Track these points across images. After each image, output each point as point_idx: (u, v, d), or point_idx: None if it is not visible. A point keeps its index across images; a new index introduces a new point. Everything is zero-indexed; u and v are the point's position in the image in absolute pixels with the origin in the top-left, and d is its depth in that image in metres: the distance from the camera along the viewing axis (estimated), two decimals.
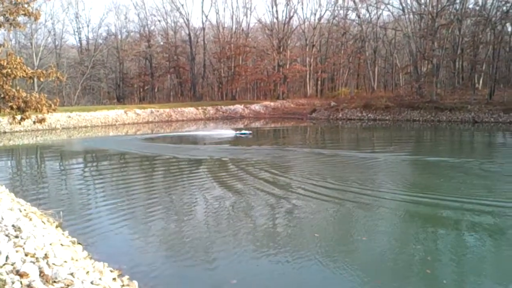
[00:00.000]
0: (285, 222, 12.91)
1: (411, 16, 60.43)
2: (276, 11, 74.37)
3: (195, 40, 76.31)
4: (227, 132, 34.80)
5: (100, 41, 76.42)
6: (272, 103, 61.62)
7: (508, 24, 58.94)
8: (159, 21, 78.21)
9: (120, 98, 73.70)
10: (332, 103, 57.63)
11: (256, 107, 59.90)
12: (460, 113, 47.88)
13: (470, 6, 59.99)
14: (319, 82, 73.05)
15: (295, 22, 74.08)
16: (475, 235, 11.53)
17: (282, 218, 13.28)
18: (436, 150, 28.88)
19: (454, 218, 12.93)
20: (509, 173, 19.34)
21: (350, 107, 55.07)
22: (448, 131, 42.21)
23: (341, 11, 71.74)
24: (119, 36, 76.94)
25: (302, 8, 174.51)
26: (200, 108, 57.48)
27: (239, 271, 9.40)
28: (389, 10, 69.81)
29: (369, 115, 52.67)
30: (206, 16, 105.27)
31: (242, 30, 74.96)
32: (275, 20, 71.16)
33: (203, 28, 74.86)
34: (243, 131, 32.77)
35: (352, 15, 70.85)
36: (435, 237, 11.65)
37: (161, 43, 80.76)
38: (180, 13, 75.22)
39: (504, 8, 56.53)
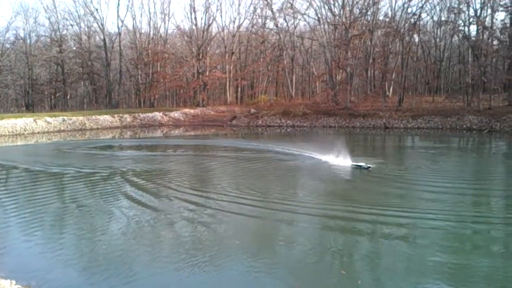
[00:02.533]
0: (205, 230, 12.54)
1: (326, 26, 62.45)
2: (195, 18, 73.80)
3: (110, 45, 73.75)
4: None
5: (8, 45, 71.68)
6: (192, 111, 60.84)
7: (415, 35, 62.63)
8: (71, 25, 74.74)
9: (29, 105, 69.46)
10: (252, 110, 57.97)
11: (175, 114, 58.83)
12: (372, 119, 50.03)
13: (381, 18, 63.19)
14: (239, 89, 73.37)
15: (214, 29, 74.01)
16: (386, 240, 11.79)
17: (202, 227, 12.88)
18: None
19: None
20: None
21: (270, 114, 55.69)
22: (362, 136, 43.90)
23: (260, 20, 72.72)
24: (28, 41, 72.72)
25: (221, 15, 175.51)
26: (116, 115, 55.39)
27: (159, 284, 9.06)
28: (305, 20, 71.94)
29: (287, 121, 53.55)
30: (122, 21, 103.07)
31: (160, 36, 73.60)
32: (194, 27, 70.60)
33: (119, 34, 72.61)
34: (361, 164, 22.08)
35: (270, 24, 72.06)
36: (348, 240, 11.79)
37: (74, 48, 77.24)
38: (95, 17, 72.40)
39: (412, 20, 60.03)
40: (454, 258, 10.40)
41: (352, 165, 22.20)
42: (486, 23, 55.21)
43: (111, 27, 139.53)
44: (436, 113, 48.78)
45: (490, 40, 55.39)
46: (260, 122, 54.44)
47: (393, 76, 61.39)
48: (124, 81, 75.66)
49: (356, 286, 8.92)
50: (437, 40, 70.48)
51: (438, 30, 69.64)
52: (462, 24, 58.25)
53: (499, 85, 54.13)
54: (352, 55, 58.93)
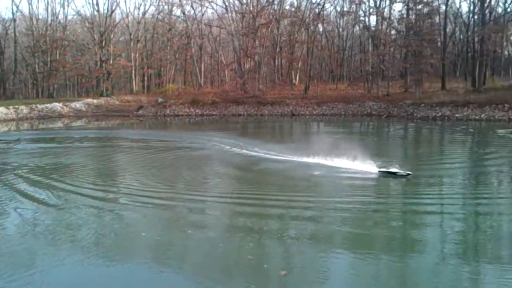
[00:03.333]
0: (108, 225, 11.89)
1: (234, 14, 62.29)
2: (97, 3, 70.51)
3: (4, 32, 68.30)
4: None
5: None
6: (95, 101, 57.86)
7: (319, 25, 64.40)
8: None
9: None
10: (160, 100, 56.41)
11: (77, 105, 55.63)
12: (280, 107, 50.86)
13: (287, 7, 64.24)
14: (145, 78, 71.08)
15: (118, 15, 70.98)
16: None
17: (106, 222, 12.16)
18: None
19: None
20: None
21: (178, 103, 54.57)
22: (270, 123, 44.52)
23: (166, 7, 70.82)
24: None
25: (125, 1, 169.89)
26: (11, 107, 51.30)
27: (67, 281, 8.63)
28: (213, 8, 71.29)
29: (196, 110, 52.81)
30: (17, 7, 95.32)
31: (59, 22, 69.28)
32: (96, 13, 67.15)
33: (14, 20, 67.22)
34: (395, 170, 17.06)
35: (177, 11, 70.49)
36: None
37: None
38: None
39: (316, 10, 61.73)
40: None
41: (380, 171, 17.24)
42: (384, 13, 58.15)
43: (5, 13, 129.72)
44: (340, 100, 50.63)
45: (388, 30, 58.41)
46: (168, 112, 53.18)
47: (299, 65, 62.80)
48: (19, 70, 70.43)
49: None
50: (340, 29, 73.13)
51: (341, 20, 72.26)
52: (363, 15, 60.99)
53: (396, 73, 57.31)
54: (260, 43, 59.36)
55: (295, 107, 50.45)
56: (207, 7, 68.85)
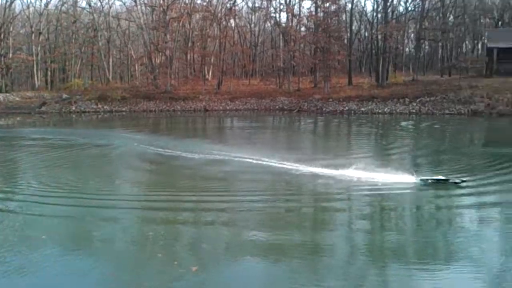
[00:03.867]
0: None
1: (143, 7, 60.46)
2: None
3: None
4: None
5: None
6: None
7: (232, 20, 64.41)
8: None
9: None
10: (64, 96, 53.38)
11: None
12: (193, 103, 50.15)
13: (198, 1, 63.51)
14: (48, 73, 66.96)
15: (18, 6, 66.27)
16: None
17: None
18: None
19: None
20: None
21: (84, 99, 51.93)
22: (183, 119, 43.82)
23: None
24: None
25: None
26: None
27: None
28: (121, 0, 68.79)
29: (105, 107, 50.55)
30: None
31: None
32: None
33: None
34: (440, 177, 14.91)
35: (83, 3, 67.23)
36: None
37: None
38: None
39: (228, 5, 61.64)
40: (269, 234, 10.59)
41: (424, 179, 14.87)
42: (294, 10, 59.33)
43: None
44: (252, 95, 50.94)
45: (298, 27, 59.67)
46: (73, 108, 50.43)
47: (212, 60, 62.34)
48: None
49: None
50: (252, 25, 73.61)
51: (253, 16, 72.72)
52: (274, 11, 61.78)
53: (306, 69, 58.74)
54: (171, 38, 58.09)
55: (208, 103, 49.99)
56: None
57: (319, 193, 14.58)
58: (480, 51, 64.95)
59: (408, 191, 14.32)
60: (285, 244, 9.99)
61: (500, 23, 66.54)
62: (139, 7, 60.45)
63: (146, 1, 60.49)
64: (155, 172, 18.36)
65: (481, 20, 70.56)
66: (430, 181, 14.69)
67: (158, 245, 10.07)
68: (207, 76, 62.54)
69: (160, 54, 58.44)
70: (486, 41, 53.13)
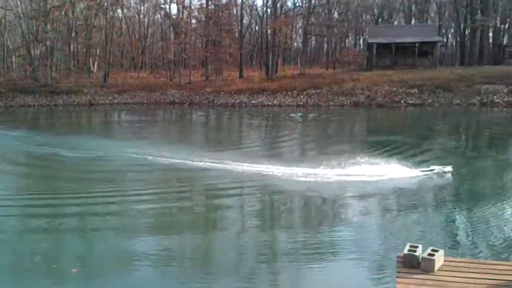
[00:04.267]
0: None
1: None
2: None
3: None
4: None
5: None
6: None
7: (119, 10, 61.72)
8: None
9: None
10: None
11: None
12: (76, 96, 47.25)
13: None
14: None
15: None
16: None
17: None
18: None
19: None
20: None
21: None
22: (66, 114, 41.27)
23: None
24: None
25: None
26: None
27: None
28: None
29: None
30: None
31: None
32: None
33: None
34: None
35: None
36: None
37: None
38: None
39: None
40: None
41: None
42: (185, 2, 58.28)
43: None
44: (141, 89, 49.28)
45: (189, 19, 58.78)
46: None
47: (98, 52, 59.37)
48: None
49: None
50: (141, 16, 71.27)
51: (142, 7, 70.44)
52: (163, 2, 60.20)
53: (197, 61, 58.17)
54: (52, 27, 54.21)
55: (93, 96, 47.43)
56: None
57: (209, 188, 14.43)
58: (361, 46, 68.93)
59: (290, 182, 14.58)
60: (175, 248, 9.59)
61: (380, 19, 71.14)
62: None
63: None
64: (33, 174, 16.85)
65: (363, 17, 74.94)
66: None
67: (39, 256, 9.13)
68: (92, 69, 59.51)
69: (40, 44, 54.41)
70: (366, 36, 56.45)
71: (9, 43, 63.15)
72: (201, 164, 16.47)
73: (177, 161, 17.01)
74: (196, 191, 14.51)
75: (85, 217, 11.55)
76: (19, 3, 55.18)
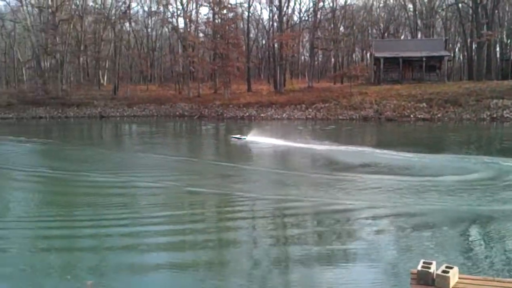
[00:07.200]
0: None
1: (30, 8, 56.47)
2: None
3: None
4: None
5: None
6: None
7: (127, 24, 62.35)
8: None
9: None
10: None
11: None
12: (87, 109, 47.79)
13: (90, 3, 60.84)
14: None
15: None
16: None
17: None
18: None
19: None
20: None
21: None
22: (77, 125, 41.56)
23: None
24: None
25: None
26: None
27: None
28: (5, 1, 63.67)
29: None
30: None
31: None
32: None
33: None
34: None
35: None
36: None
37: None
38: None
39: (122, 8, 59.62)
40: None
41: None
42: (192, 16, 58.91)
43: None
44: (151, 101, 49.68)
45: (196, 33, 59.32)
46: None
47: (107, 64, 59.93)
48: None
49: None
50: (149, 30, 71.95)
51: (149, 20, 71.10)
52: (171, 16, 60.85)
53: (206, 74, 58.59)
54: (61, 40, 54.92)
55: (104, 109, 47.89)
56: None
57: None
58: (368, 60, 69.29)
59: None
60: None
61: (385, 34, 71.60)
62: (25, 7, 56.34)
63: (33, 2, 56.63)
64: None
65: (369, 31, 75.43)
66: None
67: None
68: (102, 81, 60.05)
69: (50, 57, 55.00)
70: (373, 51, 56.77)
71: (19, 55, 63.98)
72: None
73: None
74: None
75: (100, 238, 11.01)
76: (28, 16, 55.72)
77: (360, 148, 22.81)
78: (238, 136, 28.69)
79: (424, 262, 5.96)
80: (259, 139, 26.73)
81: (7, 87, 60.82)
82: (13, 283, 8.16)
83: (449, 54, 55.69)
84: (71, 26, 56.59)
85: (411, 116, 40.10)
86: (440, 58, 51.70)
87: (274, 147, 24.70)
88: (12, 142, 27.33)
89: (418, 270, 5.84)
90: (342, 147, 23.31)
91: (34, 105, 47.89)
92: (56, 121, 44.27)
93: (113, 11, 59.75)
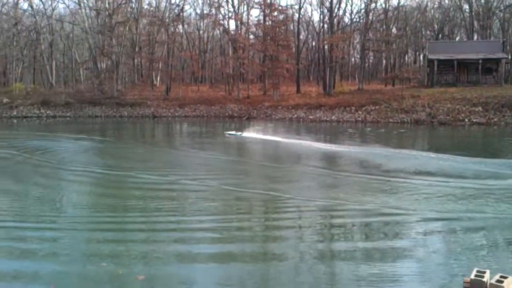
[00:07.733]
0: None
1: (88, 11, 58.82)
2: None
3: None
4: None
5: None
6: None
7: (180, 26, 63.83)
8: None
9: None
10: (5, 100, 51.05)
11: None
12: (141, 109, 49.34)
13: (145, 6, 62.67)
14: None
15: None
16: None
17: None
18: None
19: None
20: None
21: (26, 104, 50.02)
22: (131, 124, 42.96)
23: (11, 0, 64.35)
24: None
25: None
26: None
27: None
28: (64, 3, 66.60)
29: (48, 112, 48.87)
30: None
31: None
32: None
33: None
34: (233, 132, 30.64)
35: (24, 5, 64.55)
36: None
37: None
38: None
39: (176, 10, 61.15)
40: None
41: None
42: (243, 19, 59.64)
43: None
44: (202, 102, 50.67)
45: (247, 35, 59.98)
46: (15, 113, 48.36)
47: (160, 66, 61.55)
48: None
49: None
50: (201, 32, 73.34)
51: (201, 23, 72.50)
52: (222, 18, 61.80)
53: (255, 76, 59.09)
54: (117, 42, 56.97)
55: (156, 109, 49.30)
56: (58, 2, 64.25)
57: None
58: (421, 62, 67.72)
59: None
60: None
61: (440, 35, 69.73)
62: (83, 10, 58.74)
63: (91, 5, 58.98)
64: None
65: (422, 33, 73.68)
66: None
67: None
68: (155, 82, 61.69)
69: (106, 58, 57.10)
70: (427, 52, 55.48)
71: (77, 56, 66.75)
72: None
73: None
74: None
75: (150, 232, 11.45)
76: (85, 18, 57.95)
77: (414, 152, 22.48)
78: (233, 132, 31.02)
79: (477, 271, 5.91)
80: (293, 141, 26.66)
81: (65, 87, 63.49)
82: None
83: (506, 56, 53.54)
84: (127, 28, 58.57)
85: (466, 120, 38.90)
86: (497, 61, 49.88)
87: (322, 149, 24.66)
88: (71, 140, 28.54)
89: (471, 279, 5.82)
90: (396, 150, 23.10)
91: (91, 105, 49.89)
92: (111, 120, 45.89)
93: (167, 14, 61.35)
